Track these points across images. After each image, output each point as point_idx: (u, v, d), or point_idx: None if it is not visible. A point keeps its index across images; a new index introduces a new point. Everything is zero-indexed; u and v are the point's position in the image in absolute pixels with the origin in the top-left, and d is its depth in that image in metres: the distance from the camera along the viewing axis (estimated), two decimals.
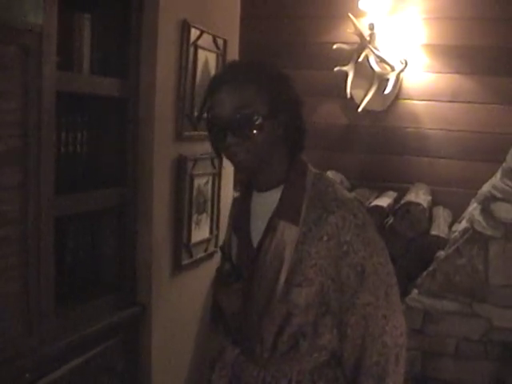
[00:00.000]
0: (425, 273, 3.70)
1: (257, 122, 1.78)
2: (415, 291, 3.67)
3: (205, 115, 1.91)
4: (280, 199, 1.87)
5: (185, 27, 3.09)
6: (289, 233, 1.83)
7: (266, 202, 1.91)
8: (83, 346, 2.50)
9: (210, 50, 3.44)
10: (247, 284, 1.90)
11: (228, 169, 3.35)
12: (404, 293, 3.76)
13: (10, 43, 2.02)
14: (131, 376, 2.84)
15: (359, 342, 1.83)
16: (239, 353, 1.96)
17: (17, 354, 2.15)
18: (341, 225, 1.80)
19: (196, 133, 3.12)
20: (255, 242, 1.91)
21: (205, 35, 3.32)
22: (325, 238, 1.80)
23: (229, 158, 1.85)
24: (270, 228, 1.86)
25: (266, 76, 1.86)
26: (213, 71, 3.42)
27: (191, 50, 3.20)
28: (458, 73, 4.59)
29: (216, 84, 1.86)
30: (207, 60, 3.43)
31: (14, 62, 2.05)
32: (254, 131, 1.79)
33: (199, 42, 3.27)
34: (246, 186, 2.03)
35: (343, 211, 1.82)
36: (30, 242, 2.17)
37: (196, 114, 1.90)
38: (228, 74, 1.88)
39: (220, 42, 3.57)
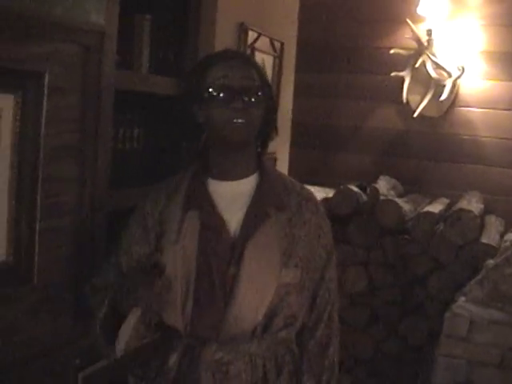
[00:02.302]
0: (473, 281, 3.69)
1: (260, 97, 1.91)
2: (462, 299, 3.65)
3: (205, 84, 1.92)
4: (260, 187, 1.97)
5: (242, 30, 3.16)
6: (278, 219, 1.93)
7: (235, 192, 1.97)
8: None
9: (267, 53, 3.51)
10: (229, 277, 1.89)
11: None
12: (451, 300, 3.76)
13: (72, 42, 2.10)
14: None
15: (321, 314, 2.03)
16: (216, 350, 1.92)
17: (68, 339, 2.22)
18: (315, 210, 2.03)
19: None
20: (232, 233, 1.93)
21: (262, 38, 3.39)
22: (307, 221, 2.00)
23: (227, 125, 1.87)
24: (259, 215, 1.92)
25: (261, 68, 2.03)
26: (269, 74, 3.48)
27: (248, 52, 3.26)
28: None
29: (219, 58, 1.97)
30: (264, 62, 3.49)
31: (75, 61, 2.13)
32: (258, 101, 1.90)
33: (256, 45, 3.34)
34: (196, 175, 2.03)
35: (314, 198, 2.09)
36: (84, 234, 2.26)
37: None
38: (230, 53, 2.02)
39: (277, 44, 3.64)
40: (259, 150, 2.05)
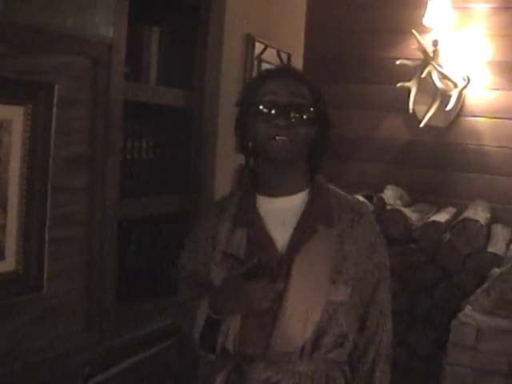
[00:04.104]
0: (479, 289, 3.69)
1: (310, 114, 1.88)
2: (468, 307, 3.65)
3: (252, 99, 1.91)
4: (311, 203, 1.93)
5: (249, 41, 3.20)
6: (327, 235, 1.89)
7: (284, 208, 1.93)
8: (141, 345, 2.59)
9: (273, 64, 3.53)
10: (276, 294, 1.85)
11: None
12: (458, 309, 3.76)
13: (81, 55, 2.14)
14: (187, 376, 2.92)
15: (371, 337, 1.96)
16: (264, 369, 1.89)
17: (78, 348, 2.25)
18: (369, 228, 1.98)
19: None
20: (279, 249, 1.89)
21: (269, 49, 3.42)
22: (359, 238, 1.93)
23: (269, 142, 1.85)
24: (308, 231, 1.88)
25: (315, 86, 1.98)
26: None
27: (255, 63, 3.30)
28: None
29: (272, 73, 1.97)
30: None
31: (84, 73, 2.17)
32: (308, 119, 1.87)
33: (263, 56, 3.37)
34: (246, 192, 2.02)
35: (369, 215, 2.04)
36: (94, 243, 2.28)
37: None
38: (283, 69, 2.08)
39: (284, 56, 3.66)
40: (313, 166, 2.01)
